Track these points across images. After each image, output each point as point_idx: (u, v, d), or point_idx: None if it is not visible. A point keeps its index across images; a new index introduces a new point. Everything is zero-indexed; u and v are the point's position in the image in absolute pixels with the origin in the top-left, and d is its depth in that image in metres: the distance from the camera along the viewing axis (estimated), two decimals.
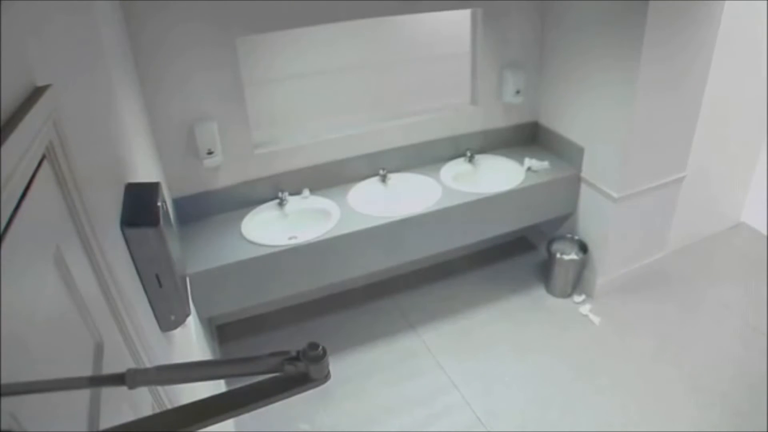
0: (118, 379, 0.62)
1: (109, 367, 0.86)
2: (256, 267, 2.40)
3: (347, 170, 2.90)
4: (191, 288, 2.16)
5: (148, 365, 1.07)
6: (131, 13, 2.12)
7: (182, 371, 0.73)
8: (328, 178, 2.86)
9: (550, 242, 3.21)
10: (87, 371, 0.79)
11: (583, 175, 3.04)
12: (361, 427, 2.53)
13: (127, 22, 2.12)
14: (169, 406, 1.16)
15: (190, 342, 1.91)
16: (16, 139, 0.60)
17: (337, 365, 2.76)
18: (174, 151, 2.48)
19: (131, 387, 0.62)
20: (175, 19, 2.24)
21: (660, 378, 2.71)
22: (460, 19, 3.03)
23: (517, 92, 3.08)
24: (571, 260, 3.11)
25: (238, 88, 2.50)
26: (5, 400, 0.50)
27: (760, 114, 3.32)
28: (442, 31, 3.28)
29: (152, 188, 1.31)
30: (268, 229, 2.59)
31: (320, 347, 0.61)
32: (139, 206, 1.22)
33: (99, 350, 0.86)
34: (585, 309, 3.14)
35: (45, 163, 0.73)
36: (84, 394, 0.76)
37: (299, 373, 0.60)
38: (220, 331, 3.08)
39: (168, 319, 1.34)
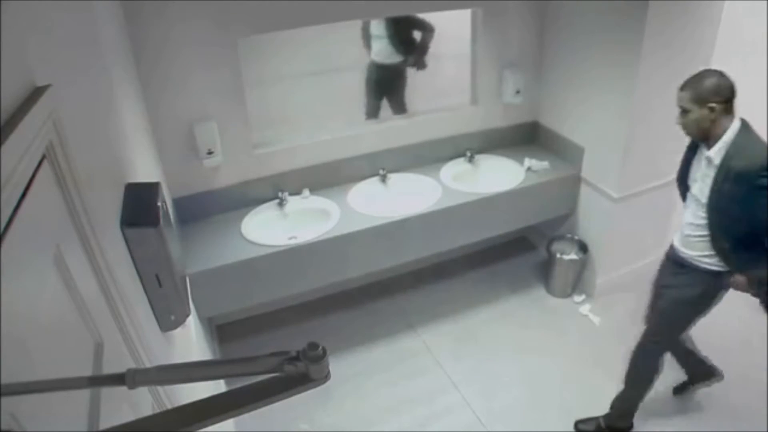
0: (118, 379, 0.62)
1: (109, 367, 0.86)
2: (256, 267, 2.40)
3: (347, 170, 2.90)
4: (191, 288, 2.16)
5: (148, 365, 1.07)
6: (132, 13, 2.12)
7: (182, 371, 0.73)
8: (328, 178, 2.86)
9: (550, 242, 3.21)
10: (87, 371, 0.79)
11: (583, 175, 3.04)
12: (361, 427, 2.53)
13: (128, 22, 2.12)
14: (169, 406, 1.16)
15: (190, 342, 1.91)
16: (16, 139, 0.60)
17: (337, 365, 2.76)
18: (174, 151, 2.48)
19: (131, 387, 0.62)
20: (176, 19, 2.24)
21: (659, 378, 2.70)
22: (459, 18, 3.02)
23: (517, 92, 3.08)
24: (571, 260, 3.11)
25: (239, 88, 2.50)
26: (5, 400, 0.50)
27: (760, 114, 3.31)
28: (441, 31, 3.28)
29: (152, 188, 1.31)
30: (268, 229, 2.59)
31: (320, 347, 0.60)
32: (139, 206, 1.22)
33: (99, 350, 0.86)
34: (585, 309, 3.14)
35: (45, 163, 0.73)
36: (84, 394, 0.76)
37: (299, 373, 0.60)
38: (220, 331, 3.08)
39: (168, 319, 1.34)
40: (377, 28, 3.29)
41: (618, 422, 2.43)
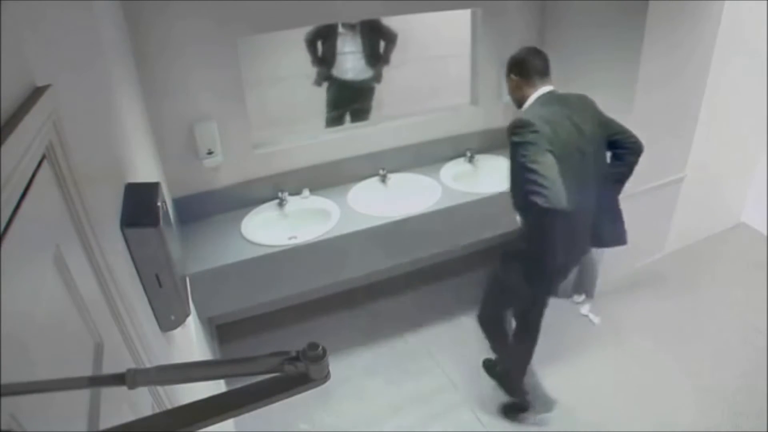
0: (118, 379, 0.62)
1: (109, 367, 0.86)
2: (256, 267, 2.40)
3: (347, 170, 2.90)
4: (191, 288, 2.16)
5: (148, 365, 1.07)
6: (132, 13, 2.12)
7: (182, 371, 0.73)
8: (328, 178, 2.86)
9: None
10: (87, 371, 0.79)
11: None
12: (361, 427, 2.53)
13: (128, 22, 2.12)
14: (169, 406, 1.16)
15: (190, 342, 1.91)
16: (16, 139, 0.60)
17: (337, 365, 2.76)
18: (174, 151, 2.48)
19: (131, 387, 0.62)
20: (176, 19, 2.24)
21: (660, 378, 2.71)
22: (459, 18, 3.02)
23: None
24: None
25: (238, 88, 2.50)
26: (5, 400, 0.50)
27: (761, 114, 3.32)
28: (441, 32, 3.28)
29: (152, 188, 1.31)
30: (268, 229, 2.59)
31: (320, 347, 0.60)
32: (139, 206, 1.22)
33: (99, 350, 0.86)
34: (585, 309, 3.14)
35: (45, 163, 0.73)
36: (84, 394, 0.76)
37: (299, 373, 0.60)
38: (220, 331, 3.08)
39: (168, 319, 1.34)
40: (351, 43, 3.21)
41: (511, 392, 2.57)
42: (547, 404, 2.51)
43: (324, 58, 3.21)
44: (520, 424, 2.52)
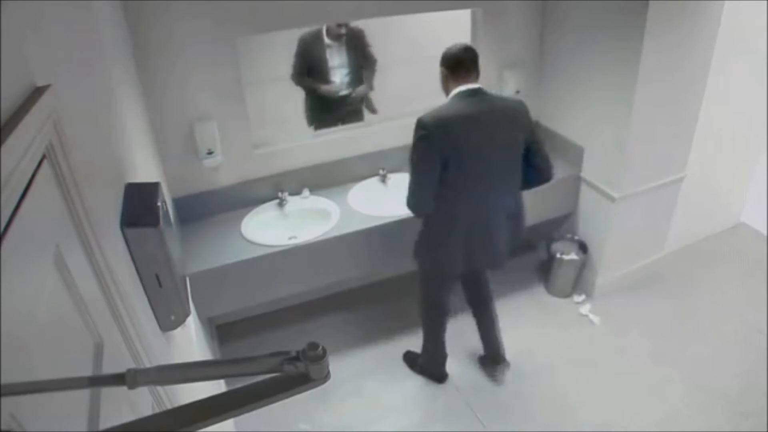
0: (118, 379, 0.62)
1: (109, 367, 0.86)
2: (256, 267, 2.40)
3: (347, 170, 2.90)
4: (191, 288, 2.16)
5: (148, 365, 1.07)
6: (132, 13, 2.12)
7: (182, 371, 0.73)
8: (328, 178, 2.86)
9: (550, 242, 3.21)
10: (87, 371, 0.79)
11: (583, 175, 3.04)
12: (361, 427, 2.53)
13: (128, 22, 2.12)
14: (169, 406, 1.16)
15: (190, 342, 1.91)
16: (16, 139, 0.60)
17: (337, 365, 2.76)
18: (174, 151, 2.48)
19: (131, 387, 0.62)
20: (176, 19, 2.24)
21: (660, 378, 2.71)
22: (458, 19, 3.02)
23: (517, 92, 3.08)
24: (571, 260, 3.11)
25: (238, 88, 2.50)
26: (5, 400, 0.50)
27: (761, 114, 3.32)
28: (440, 32, 3.28)
29: (152, 188, 1.31)
30: (268, 229, 2.59)
31: (320, 347, 0.60)
32: (139, 206, 1.22)
33: (99, 350, 0.86)
34: (585, 309, 3.14)
35: (45, 163, 0.73)
36: (84, 394, 0.76)
37: (299, 373, 0.60)
38: (220, 331, 3.08)
39: (168, 319, 1.34)
40: (337, 55, 3.20)
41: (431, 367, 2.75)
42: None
43: (315, 80, 3.21)
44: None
